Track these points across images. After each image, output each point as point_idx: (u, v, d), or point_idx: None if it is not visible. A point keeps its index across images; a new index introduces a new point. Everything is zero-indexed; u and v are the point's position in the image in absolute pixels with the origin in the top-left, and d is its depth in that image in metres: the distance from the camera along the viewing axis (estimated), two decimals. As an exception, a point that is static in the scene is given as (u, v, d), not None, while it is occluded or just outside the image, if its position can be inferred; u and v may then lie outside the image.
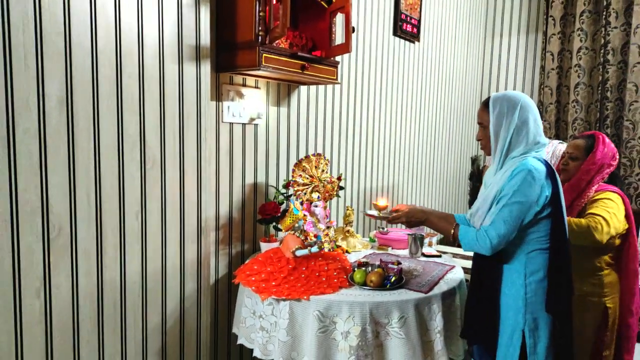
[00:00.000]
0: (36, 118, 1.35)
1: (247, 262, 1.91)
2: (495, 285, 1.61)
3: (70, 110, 1.43)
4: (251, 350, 1.73)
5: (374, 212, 1.90)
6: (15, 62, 1.29)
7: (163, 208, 1.72)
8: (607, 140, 1.94)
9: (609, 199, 1.86)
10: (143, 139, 1.63)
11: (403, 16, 3.07)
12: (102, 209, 1.53)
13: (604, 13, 3.71)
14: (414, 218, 1.75)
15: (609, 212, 1.82)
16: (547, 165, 1.54)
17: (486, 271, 1.63)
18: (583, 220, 1.82)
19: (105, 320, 1.58)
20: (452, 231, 1.65)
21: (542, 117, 3.82)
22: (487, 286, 1.63)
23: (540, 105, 4.08)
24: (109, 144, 1.53)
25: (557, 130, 4.06)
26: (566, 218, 1.57)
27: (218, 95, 1.94)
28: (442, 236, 3.68)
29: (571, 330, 1.59)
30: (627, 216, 1.89)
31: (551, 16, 4.01)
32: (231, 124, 2.01)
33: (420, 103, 3.46)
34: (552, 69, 4.04)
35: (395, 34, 3.04)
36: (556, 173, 1.55)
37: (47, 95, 1.37)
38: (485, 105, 1.63)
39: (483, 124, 1.63)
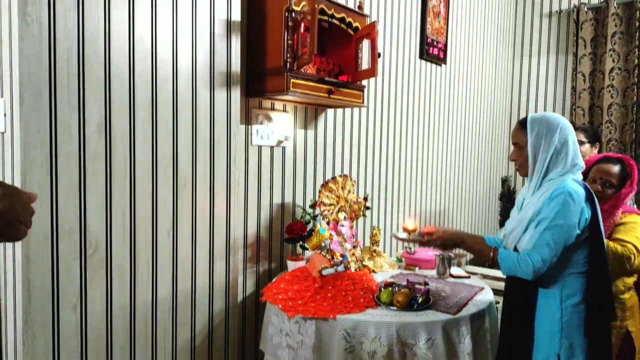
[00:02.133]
0: (77, 143, 1.44)
1: (274, 280, 1.93)
2: (530, 308, 1.57)
3: (109, 134, 1.51)
4: (278, 369, 1.74)
5: (404, 235, 1.89)
6: (59, 90, 1.39)
7: (194, 227, 1.77)
8: (636, 165, 1.94)
9: (636, 222, 1.84)
10: (176, 161, 1.70)
11: (429, 40, 3.11)
12: (136, 227, 1.60)
13: (636, 34, 3.65)
14: (449, 241, 1.71)
15: (638, 238, 1.80)
16: (586, 188, 1.54)
17: (520, 294, 1.60)
18: (619, 248, 1.79)
19: (137, 336, 1.62)
20: (492, 254, 1.61)
21: (574, 138, 3.75)
22: (521, 310, 1.60)
23: (573, 126, 4.00)
24: (143, 166, 1.61)
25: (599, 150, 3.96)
26: (605, 242, 1.55)
27: (247, 119, 2.01)
28: (471, 257, 3.61)
29: (610, 357, 1.53)
30: None
31: (581, 37, 3.97)
32: (260, 146, 2.07)
33: (448, 124, 3.46)
34: (584, 90, 3.98)
35: (421, 57, 3.08)
36: (594, 196, 1.54)
37: (87, 121, 1.46)
38: (522, 125, 1.61)
39: (519, 144, 1.62)
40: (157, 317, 1.68)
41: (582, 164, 1.56)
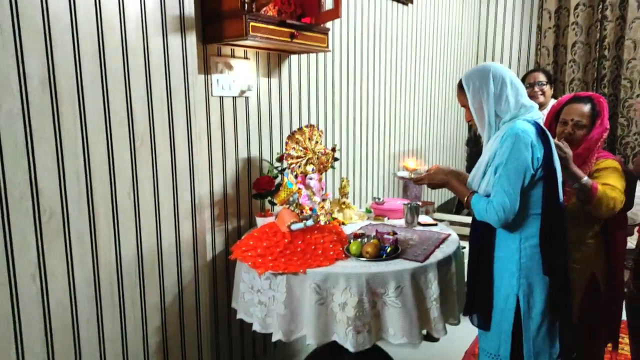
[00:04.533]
0: (19, 99, 1.31)
1: (243, 237, 1.90)
2: (490, 249, 1.60)
3: (54, 89, 1.38)
4: (251, 325, 1.75)
5: (405, 174, 1.89)
6: (-7, 42, 1.24)
7: (155, 186, 1.69)
8: (606, 103, 1.90)
9: (615, 167, 1.82)
10: (130, 116, 1.59)
11: (395, -23, 2.97)
12: (93, 190, 1.51)
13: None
14: (435, 180, 1.74)
15: (622, 183, 1.79)
16: (536, 126, 1.51)
17: (481, 236, 1.63)
18: (613, 193, 1.74)
19: (104, 301, 1.58)
20: (466, 198, 1.63)
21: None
22: (482, 251, 1.63)
23: (538, 66, 4.01)
24: (95, 123, 1.50)
25: (555, 91, 4.00)
26: (560, 180, 1.54)
27: (206, 68, 1.89)
28: (439, 204, 3.69)
29: (569, 294, 1.60)
30: None
31: (548, -27, 3.89)
32: (221, 97, 1.96)
33: (415, 68, 3.39)
34: (549, 28, 3.95)
35: (387, -4, 2.95)
36: (548, 133, 1.52)
37: (28, 75, 1.32)
38: (460, 86, 1.61)
39: (466, 106, 1.61)
40: (123, 282, 1.63)
41: (528, 102, 1.53)
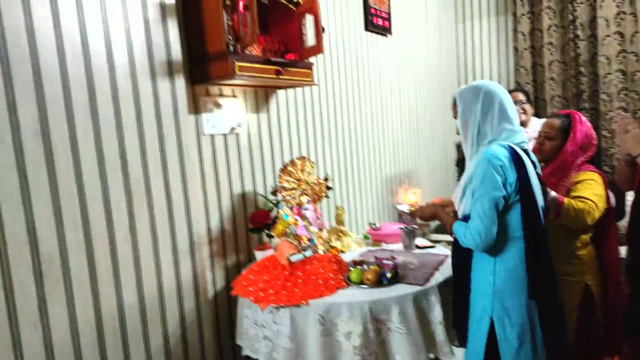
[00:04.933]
0: (12, 151, 1.33)
1: (243, 272, 1.90)
2: (467, 271, 1.61)
3: (47, 140, 1.41)
4: (257, 360, 1.72)
5: (405, 208, 1.94)
6: (-16, 97, 1.27)
7: (152, 228, 1.70)
8: (584, 118, 1.94)
9: (592, 179, 1.86)
10: (124, 161, 1.61)
11: (372, 10, 3.08)
12: (92, 236, 1.52)
13: (569, -11, 3.76)
14: (425, 213, 1.78)
15: (596, 194, 1.82)
16: (510, 149, 1.49)
17: (459, 258, 1.64)
18: (579, 204, 1.80)
19: (107, 347, 1.56)
20: (448, 227, 1.63)
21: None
22: (459, 272, 1.64)
23: (518, 85, 4.12)
24: (89, 170, 1.51)
25: (536, 109, 4.10)
26: (541, 203, 1.53)
27: (196, 107, 1.92)
28: (435, 225, 3.71)
29: (562, 316, 1.58)
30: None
31: (518, -4, 4.05)
32: (212, 135, 2.00)
33: (400, 95, 3.47)
34: (525, 49, 4.08)
35: (367, 29, 3.04)
36: (523, 157, 1.50)
37: (21, 127, 1.35)
38: (454, 101, 1.63)
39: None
40: (126, 326, 1.61)
41: (511, 127, 1.52)
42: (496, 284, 1.51)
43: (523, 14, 4.05)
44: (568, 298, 1.83)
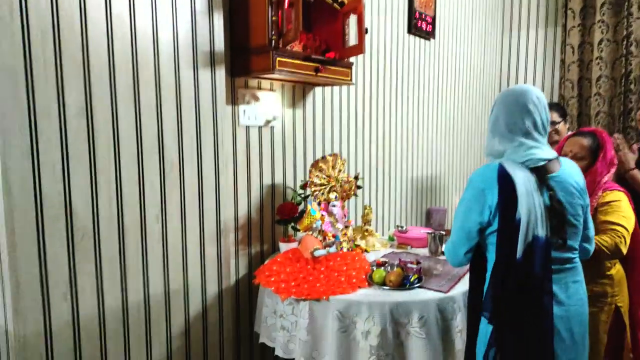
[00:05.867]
0: (57, 127, 1.39)
1: (266, 262, 1.92)
2: (479, 288, 1.48)
3: (90, 118, 1.47)
4: (273, 349, 1.74)
5: None
6: (36, 73, 1.34)
7: (182, 211, 1.75)
8: (609, 137, 1.91)
9: (619, 200, 1.81)
10: (161, 144, 1.66)
11: (417, 14, 3.05)
12: (124, 213, 1.57)
13: (626, 4, 3.62)
14: None
15: (625, 216, 1.77)
16: (500, 170, 1.33)
17: (473, 273, 1.54)
18: (609, 239, 1.72)
19: (130, 323, 1.61)
20: None
21: (563, 111, 3.74)
22: (471, 289, 1.54)
23: (562, 99, 4.00)
24: (128, 150, 1.57)
25: (579, 125, 3.97)
26: (522, 234, 1.28)
27: (234, 99, 1.96)
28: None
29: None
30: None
31: (570, 8, 3.93)
32: (247, 127, 2.03)
33: (438, 100, 3.43)
34: (573, 62, 3.95)
35: (409, 32, 3.03)
36: (515, 179, 1.30)
37: (67, 105, 1.41)
38: None
39: None
40: (149, 303, 1.67)
41: (501, 148, 1.37)
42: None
43: (574, 26, 3.93)
44: (598, 320, 1.77)
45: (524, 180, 1.30)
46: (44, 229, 1.38)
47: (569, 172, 1.41)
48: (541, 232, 1.29)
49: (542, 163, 1.34)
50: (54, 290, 1.41)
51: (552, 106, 2.95)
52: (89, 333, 1.50)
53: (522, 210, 1.28)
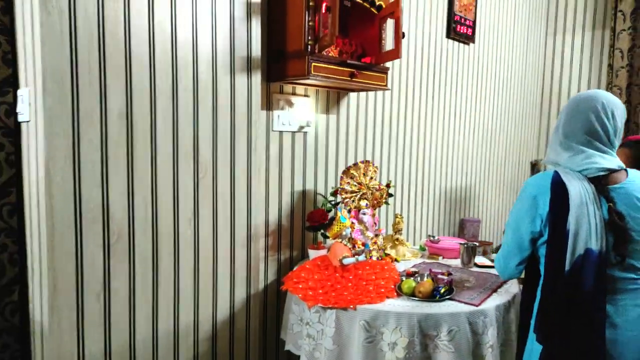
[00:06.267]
0: (98, 130, 1.44)
1: (295, 269, 1.93)
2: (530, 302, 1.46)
3: (130, 122, 1.51)
4: (299, 357, 1.75)
5: None
6: (81, 78, 1.39)
7: (214, 215, 1.77)
8: None
9: None
10: (196, 149, 1.70)
11: (457, 17, 2.99)
12: (158, 216, 1.61)
13: (681, 6, 3.43)
14: None
15: None
16: (554, 177, 1.28)
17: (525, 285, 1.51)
18: None
19: (160, 324, 1.65)
20: None
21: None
22: (522, 302, 1.53)
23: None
24: (164, 154, 1.61)
25: (626, 133, 3.79)
26: (570, 247, 1.23)
27: (268, 104, 1.98)
28: (497, 245, 3.55)
29: None
30: None
31: (620, 11, 3.75)
32: (281, 132, 2.05)
33: (476, 106, 3.35)
34: (622, 67, 3.78)
35: (448, 36, 2.97)
36: (570, 188, 1.24)
37: (109, 109, 1.46)
38: None
39: None
40: (179, 305, 1.70)
41: (557, 157, 1.34)
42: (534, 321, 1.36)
43: (623, 30, 3.75)
44: None
45: (578, 190, 1.24)
46: (82, 230, 1.43)
47: (637, 184, 1.30)
48: (595, 246, 1.22)
49: (602, 173, 1.27)
50: (88, 290, 1.46)
51: None
52: (118, 334, 1.54)
53: (572, 220, 1.22)
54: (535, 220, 1.30)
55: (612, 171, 1.28)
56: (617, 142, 1.33)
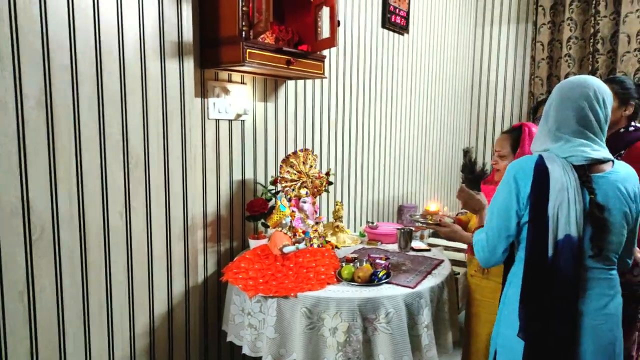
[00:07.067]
0: (14, 118, 1.33)
1: (235, 259, 1.90)
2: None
3: (50, 110, 1.40)
4: (241, 347, 1.73)
5: (420, 219, 1.87)
6: (-10, 62, 1.27)
7: (148, 207, 1.70)
8: (534, 129, 1.72)
9: None
10: (126, 138, 1.61)
11: (391, 8, 3.05)
12: (85, 209, 1.52)
13: (594, 2, 3.70)
14: (442, 230, 1.78)
15: None
16: (538, 161, 1.27)
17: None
18: None
19: (92, 321, 1.56)
20: (472, 238, 1.48)
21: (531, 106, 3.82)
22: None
23: (531, 95, 4.08)
24: (90, 143, 1.51)
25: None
26: (551, 229, 1.23)
27: (203, 91, 1.92)
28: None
29: None
30: None
31: (541, 5, 4.00)
32: (217, 120, 1.99)
33: (411, 95, 3.45)
34: (543, 59, 4.03)
35: (384, 26, 3.02)
36: (550, 172, 1.24)
37: (25, 96, 1.35)
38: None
39: None
40: (112, 302, 1.62)
41: (545, 145, 1.30)
42: (504, 310, 1.36)
43: (544, 24, 4.00)
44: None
45: (560, 175, 1.23)
46: (-1, 226, 1.32)
47: (621, 175, 1.28)
48: (574, 232, 1.21)
49: (587, 162, 1.25)
50: (10, 289, 1.35)
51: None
52: (46, 332, 1.45)
53: (551, 204, 1.22)
54: (519, 201, 1.28)
55: (598, 161, 1.27)
56: (606, 130, 1.31)
